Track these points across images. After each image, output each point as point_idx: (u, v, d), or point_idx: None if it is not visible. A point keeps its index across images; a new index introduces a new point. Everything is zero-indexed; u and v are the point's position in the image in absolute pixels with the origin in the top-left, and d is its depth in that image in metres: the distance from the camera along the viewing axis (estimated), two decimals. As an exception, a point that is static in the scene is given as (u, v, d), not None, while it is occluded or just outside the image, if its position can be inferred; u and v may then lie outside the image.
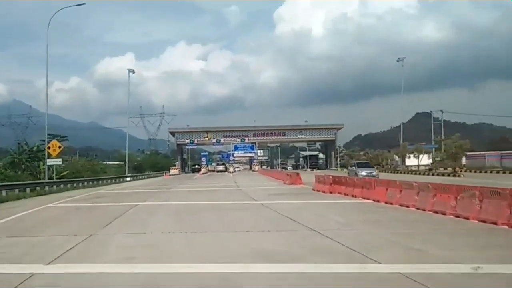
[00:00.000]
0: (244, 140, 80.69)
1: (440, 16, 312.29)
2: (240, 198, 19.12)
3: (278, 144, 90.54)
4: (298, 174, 30.21)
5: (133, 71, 60.86)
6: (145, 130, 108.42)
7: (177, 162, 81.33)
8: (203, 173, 68.83)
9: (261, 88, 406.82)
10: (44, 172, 32.59)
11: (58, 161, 32.28)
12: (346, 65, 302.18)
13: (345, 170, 54.02)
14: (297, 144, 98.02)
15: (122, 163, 70.46)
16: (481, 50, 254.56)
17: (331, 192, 19.14)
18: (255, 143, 77.04)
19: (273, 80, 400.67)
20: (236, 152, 76.68)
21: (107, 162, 72.51)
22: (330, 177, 20.96)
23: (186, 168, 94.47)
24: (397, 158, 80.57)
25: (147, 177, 61.03)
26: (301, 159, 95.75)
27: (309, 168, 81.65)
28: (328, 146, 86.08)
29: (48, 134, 34.35)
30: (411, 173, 48.71)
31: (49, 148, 30.99)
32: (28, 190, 24.42)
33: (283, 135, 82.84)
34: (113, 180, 45.29)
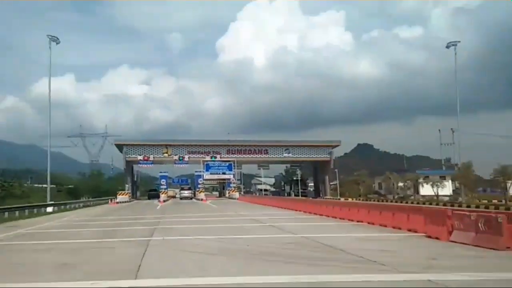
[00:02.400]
0: (215, 157, 63.24)
1: (373, 54, 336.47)
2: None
3: (263, 165, 73.08)
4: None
5: (56, 39, 43.69)
6: (86, 151, 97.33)
7: (126, 185, 62.21)
8: (164, 201, 50.44)
9: (206, 115, 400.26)
10: None
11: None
12: (287, 96, 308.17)
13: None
14: (280, 166, 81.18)
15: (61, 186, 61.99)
16: (411, 87, 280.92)
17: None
18: (233, 161, 59.66)
19: (217, 108, 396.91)
20: (207, 173, 58.87)
21: (43, 185, 61.52)
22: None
23: (138, 193, 75.21)
24: (399, 185, 66.83)
25: (84, 205, 41.91)
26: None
27: (294, 195, 65.52)
28: (318, 168, 70.28)
29: None
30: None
31: None
32: None
33: (265, 153, 66.38)
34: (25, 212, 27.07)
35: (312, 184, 73.97)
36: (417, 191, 66.01)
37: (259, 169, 75.03)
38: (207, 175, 60.02)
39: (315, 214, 22.45)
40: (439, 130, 70.32)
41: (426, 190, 63.24)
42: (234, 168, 59.38)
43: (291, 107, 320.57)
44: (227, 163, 58.69)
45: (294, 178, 75.30)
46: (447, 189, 65.66)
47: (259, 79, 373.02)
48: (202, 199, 53.09)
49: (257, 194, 67.23)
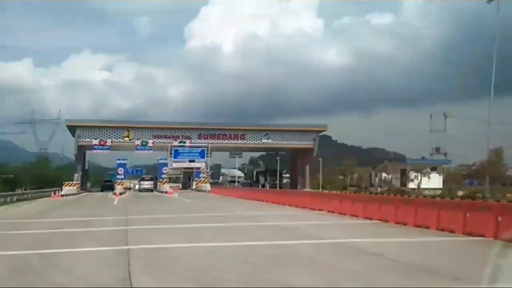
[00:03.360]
0: (184, 142, 54.47)
1: (343, 41, 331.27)
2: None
3: (236, 153, 64.35)
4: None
5: None
6: (35, 138, 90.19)
7: (75, 175, 52.39)
8: (120, 193, 41.41)
9: (167, 102, 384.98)
10: None
11: None
12: (253, 84, 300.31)
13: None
14: (256, 153, 73.07)
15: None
16: (375, 77, 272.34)
17: None
18: (205, 147, 51.12)
19: (180, 96, 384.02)
20: (175, 159, 49.96)
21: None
22: None
23: (88, 185, 65.13)
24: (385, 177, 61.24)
25: (17, 199, 32.39)
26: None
27: (268, 186, 58.18)
28: (299, 156, 62.95)
29: None
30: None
31: None
32: None
33: (242, 138, 58.16)
34: None
35: (288, 175, 66.37)
36: (404, 184, 60.67)
37: (232, 157, 66.77)
38: (174, 163, 51.20)
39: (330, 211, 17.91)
40: (431, 115, 65.09)
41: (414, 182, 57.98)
42: (208, 156, 50.85)
43: (256, 96, 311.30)
44: (199, 149, 50.10)
45: (268, 169, 67.69)
46: (435, 181, 60.60)
47: (226, 66, 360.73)
48: (166, 192, 44.43)
49: (228, 185, 59.20)
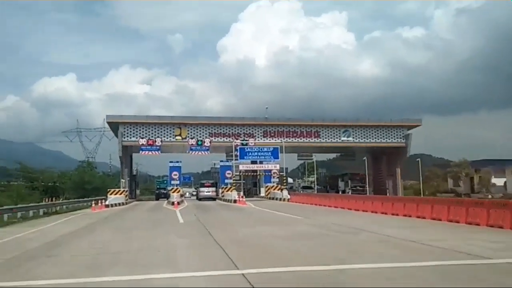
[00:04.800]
0: (247, 142, 45.28)
1: (376, 54, 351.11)
2: None
3: (304, 154, 53.81)
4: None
5: None
6: (82, 146, 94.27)
7: (121, 181, 44.55)
8: (178, 202, 32.82)
9: (207, 114, 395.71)
10: None
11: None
12: (288, 95, 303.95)
13: None
14: (329, 155, 62.04)
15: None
16: (414, 87, 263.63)
17: None
18: (278, 145, 41.51)
19: (218, 107, 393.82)
20: (243, 161, 40.75)
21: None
22: None
23: (138, 192, 57.73)
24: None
25: (45, 212, 24.20)
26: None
27: (350, 192, 47.86)
28: (382, 157, 52.41)
29: None
30: None
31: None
32: None
33: (316, 136, 48.35)
34: None
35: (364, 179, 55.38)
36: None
37: (300, 159, 56.84)
38: (243, 165, 41.93)
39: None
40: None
41: None
42: (282, 155, 41.10)
43: (292, 107, 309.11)
44: (271, 148, 40.52)
45: (347, 173, 57.22)
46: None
47: (260, 78, 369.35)
48: (234, 200, 35.37)
49: (302, 191, 49.36)
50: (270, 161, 41.16)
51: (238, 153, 40.69)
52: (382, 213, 20.04)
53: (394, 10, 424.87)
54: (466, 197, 41.09)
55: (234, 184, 40.14)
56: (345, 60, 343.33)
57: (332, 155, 70.69)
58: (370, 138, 48.76)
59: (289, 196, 37.44)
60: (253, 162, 43.93)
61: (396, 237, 11.12)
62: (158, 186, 61.55)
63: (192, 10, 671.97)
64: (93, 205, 30.38)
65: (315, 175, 56.04)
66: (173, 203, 33.25)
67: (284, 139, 46.05)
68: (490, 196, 44.89)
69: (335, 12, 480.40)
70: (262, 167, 41.79)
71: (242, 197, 36.81)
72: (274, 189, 41.89)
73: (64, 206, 30.50)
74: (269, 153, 39.77)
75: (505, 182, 48.33)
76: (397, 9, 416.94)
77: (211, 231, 13.21)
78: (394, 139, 48.74)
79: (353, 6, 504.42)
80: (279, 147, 40.49)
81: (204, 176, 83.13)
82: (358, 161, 60.35)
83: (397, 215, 18.48)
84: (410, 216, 17.35)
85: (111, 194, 37.31)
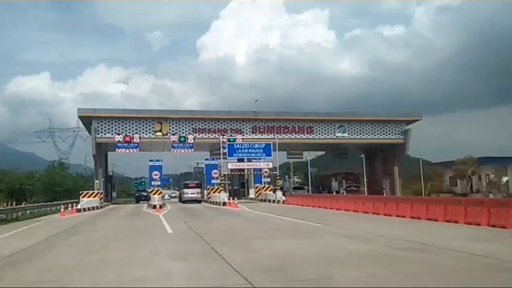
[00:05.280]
0: (234, 139, 41.45)
1: (356, 52, 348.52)
2: None
3: (294, 153, 50.01)
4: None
5: None
6: (55, 147, 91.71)
7: (96, 181, 40.28)
8: (160, 206, 28.93)
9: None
10: None
11: None
12: (269, 93, 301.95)
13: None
14: (317, 153, 58.33)
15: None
16: (393, 85, 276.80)
17: None
18: (271, 143, 37.68)
19: (197, 106, 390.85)
20: (231, 159, 36.84)
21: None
22: None
23: (114, 194, 53.34)
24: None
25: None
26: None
27: (345, 193, 44.69)
28: (379, 155, 49.49)
29: None
30: None
31: None
32: None
33: (309, 132, 44.90)
34: None
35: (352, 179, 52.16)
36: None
37: (290, 157, 53.24)
38: (231, 163, 37.95)
39: None
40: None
41: None
42: (275, 152, 37.39)
43: (270, 105, 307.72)
44: (263, 144, 36.72)
45: (339, 172, 53.92)
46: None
47: (240, 77, 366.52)
48: (224, 203, 31.58)
49: (293, 192, 45.80)
50: (261, 159, 37.42)
51: (226, 150, 36.76)
52: (398, 216, 17.30)
53: (376, 8, 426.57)
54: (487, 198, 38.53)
55: (222, 185, 36.22)
56: (326, 58, 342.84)
57: (320, 153, 67.49)
58: (366, 134, 45.62)
59: (284, 198, 33.83)
60: (240, 160, 40.13)
61: (491, 256, 7.63)
62: (136, 188, 57.49)
63: (172, 6, 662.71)
64: (62, 209, 26.16)
65: (309, 175, 52.34)
66: (154, 207, 29.33)
67: (275, 135, 42.49)
68: (491, 196, 42.43)
69: (317, 10, 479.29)
70: (253, 165, 37.93)
71: (231, 198, 33.07)
72: (266, 190, 38.23)
73: (28, 212, 26.19)
74: (261, 150, 35.99)
75: (507, 181, 45.89)
76: (379, 7, 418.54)
77: (216, 248, 9.47)
78: (392, 135, 45.77)
79: (335, 4, 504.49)
80: (271, 143, 36.74)
81: (184, 178, 79.16)
82: (348, 160, 57.36)
83: (418, 218, 15.84)
84: (436, 220, 14.66)
85: (84, 196, 33.27)
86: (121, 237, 12.99)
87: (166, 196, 59.07)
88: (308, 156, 53.85)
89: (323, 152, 60.23)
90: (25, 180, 48.23)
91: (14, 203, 34.09)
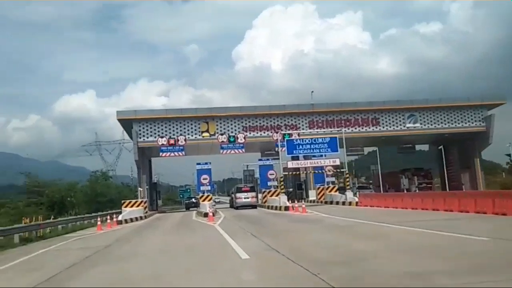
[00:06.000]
0: (290, 135, 36.26)
1: (393, 51, 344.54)
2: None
3: (355, 149, 43.95)
4: None
5: None
6: (102, 159, 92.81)
7: (139, 189, 36.37)
8: (212, 212, 24.31)
9: None
10: None
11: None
12: (308, 99, 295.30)
13: None
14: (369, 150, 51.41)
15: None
16: (434, 82, 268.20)
17: None
18: (336, 137, 32.16)
19: None
20: (289, 156, 31.80)
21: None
22: None
23: (160, 202, 49.74)
24: None
25: (22, 239, 15.74)
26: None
27: (417, 190, 38.56)
28: (454, 146, 43.04)
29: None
30: None
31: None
32: None
33: (374, 124, 39.27)
34: None
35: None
36: None
37: (351, 155, 47.55)
38: (292, 162, 32.95)
39: None
40: None
41: None
42: (342, 148, 32.01)
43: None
44: (327, 139, 31.33)
45: (408, 168, 47.55)
46: None
47: (277, 83, 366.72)
48: (287, 207, 26.63)
49: (360, 192, 40.14)
50: (323, 156, 32.08)
51: (284, 148, 31.77)
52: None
53: (409, 7, 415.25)
54: None
55: (281, 187, 31.22)
56: (362, 59, 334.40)
57: (370, 149, 60.92)
58: (442, 123, 39.47)
59: (356, 199, 28.42)
60: (295, 158, 34.82)
61: None
62: (181, 196, 54.74)
63: (206, 20, 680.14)
64: (99, 222, 22.07)
65: (376, 172, 46.67)
66: (205, 215, 24.88)
67: (336, 129, 37.08)
68: None
69: (350, 12, 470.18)
70: (317, 163, 32.58)
71: (294, 201, 28.13)
72: (331, 191, 32.93)
73: (60, 227, 22.22)
74: (325, 145, 30.60)
75: None
76: (411, 6, 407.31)
77: None
78: (472, 123, 39.34)
79: (367, 5, 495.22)
80: (337, 137, 31.34)
81: (227, 184, 76.01)
82: (407, 154, 50.57)
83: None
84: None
85: (126, 206, 29.46)
86: (170, 271, 8.19)
87: (212, 202, 55.64)
88: (375, 151, 47.75)
89: (375, 148, 53.93)
90: (66, 192, 45.19)
91: (52, 217, 30.54)
